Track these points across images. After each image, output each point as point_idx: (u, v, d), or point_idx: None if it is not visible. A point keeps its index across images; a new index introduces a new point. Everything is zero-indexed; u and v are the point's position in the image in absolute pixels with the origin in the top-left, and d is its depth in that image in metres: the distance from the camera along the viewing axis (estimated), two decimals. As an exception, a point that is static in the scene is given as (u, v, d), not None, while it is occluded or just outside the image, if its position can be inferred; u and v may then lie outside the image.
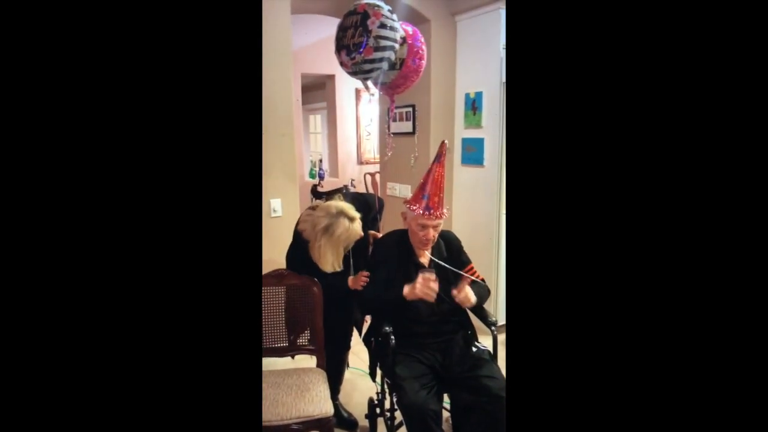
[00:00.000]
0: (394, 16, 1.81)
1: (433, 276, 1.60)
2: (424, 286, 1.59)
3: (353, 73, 1.87)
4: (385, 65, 1.82)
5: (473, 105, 2.98)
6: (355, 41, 1.78)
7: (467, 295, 1.62)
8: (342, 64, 1.88)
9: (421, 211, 1.65)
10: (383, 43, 1.76)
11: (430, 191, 1.66)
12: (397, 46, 1.82)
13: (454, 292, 1.63)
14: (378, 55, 1.77)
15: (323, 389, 1.66)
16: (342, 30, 1.85)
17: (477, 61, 2.94)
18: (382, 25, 1.75)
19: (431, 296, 1.59)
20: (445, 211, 1.69)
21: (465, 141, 3.08)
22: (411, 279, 1.69)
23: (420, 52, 1.94)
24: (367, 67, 1.81)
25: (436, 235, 1.72)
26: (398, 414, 1.61)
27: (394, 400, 1.62)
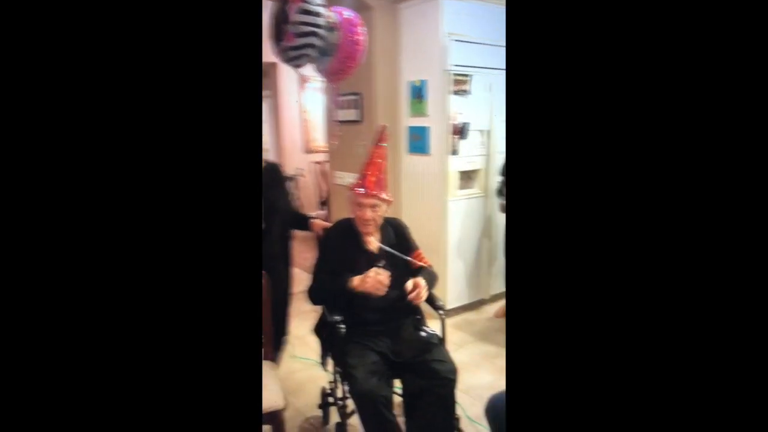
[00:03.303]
0: (319, 1, 1.77)
1: (386, 273, 1.61)
2: (375, 281, 1.59)
3: (284, 62, 1.84)
4: (311, 51, 1.79)
5: (418, 93, 3.00)
6: (278, 29, 1.75)
7: (420, 293, 1.63)
8: (273, 53, 1.85)
9: (355, 189, 1.67)
10: (304, 29, 1.73)
11: (367, 171, 1.70)
12: (321, 31, 1.78)
13: (408, 288, 1.63)
14: (300, 41, 1.74)
15: (273, 382, 1.64)
16: (270, 18, 1.81)
17: (420, 50, 2.95)
18: (303, 11, 1.71)
19: (381, 291, 1.60)
20: (386, 196, 1.71)
21: (410, 129, 3.10)
22: (359, 266, 1.70)
23: (355, 37, 1.91)
24: (293, 54, 1.77)
25: (377, 218, 1.73)
26: (351, 402, 1.62)
27: (346, 388, 1.63)
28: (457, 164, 2.98)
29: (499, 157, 3.13)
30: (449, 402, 1.59)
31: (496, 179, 3.07)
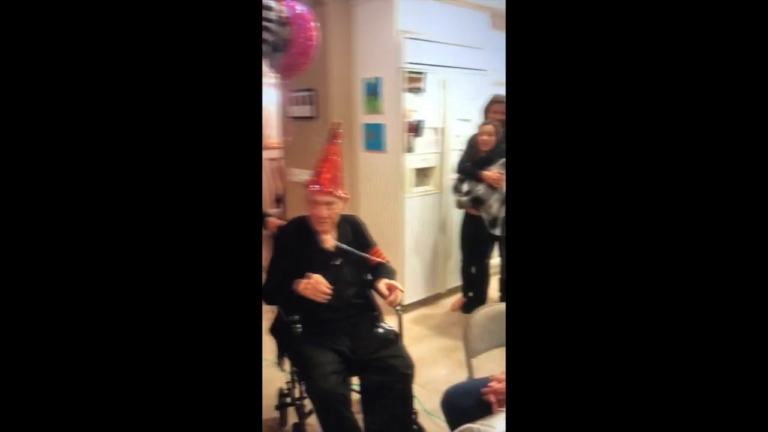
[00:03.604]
0: None
1: (325, 282, 1.59)
2: (314, 289, 1.57)
3: None
4: (262, 47, 1.76)
5: (373, 90, 3.00)
6: None
7: (397, 295, 1.65)
8: None
9: (310, 186, 1.67)
10: None
11: (322, 168, 1.69)
12: (272, 26, 1.76)
13: (385, 293, 1.64)
14: None
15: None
16: None
17: (374, 47, 2.96)
18: None
19: (321, 299, 1.58)
20: (342, 193, 1.71)
21: (366, 127, 3.10)
22: (315, 265, 1.68)
23: (308, 33, 1.89)
24: None
25: (333, 216, 1.72)
26: (308, 402, 1.61)
27: (303, 388, 1.62)
28: (412, 161, 3.01)
29: (453, 154, 3.18)
30: (407, 397, 1.61)
31: (451, 176, 3.13)
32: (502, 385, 1.26)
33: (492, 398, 1.25)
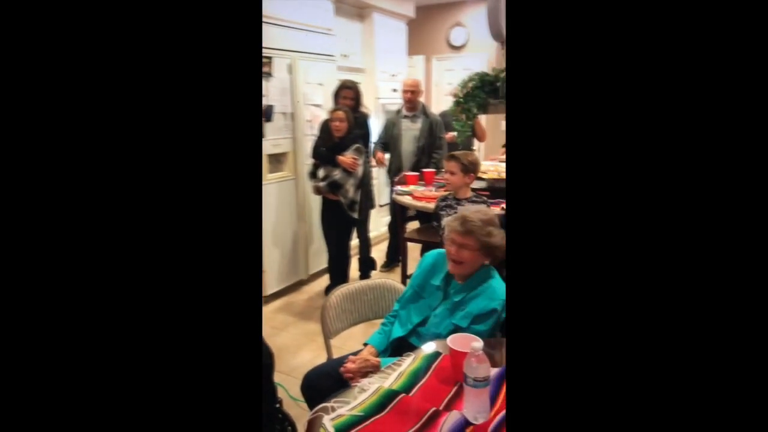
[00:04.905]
0: None
1: None
2: None
3: None
4: None
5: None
6: None
7: None
8: None
9: None
10: None
11: None
12: None
13: None
14: None
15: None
16: None
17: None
18: None
19: None
20: None
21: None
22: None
23: None
24: None
25: None
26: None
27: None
28: (264, 147, 2.93)
29: (307, 140, 3.17)
30: (268, 388, 1.60)
31: (307, 162, 3.12)
32: (357, 364, 1.32)
33: (349, 375, 1.30)
